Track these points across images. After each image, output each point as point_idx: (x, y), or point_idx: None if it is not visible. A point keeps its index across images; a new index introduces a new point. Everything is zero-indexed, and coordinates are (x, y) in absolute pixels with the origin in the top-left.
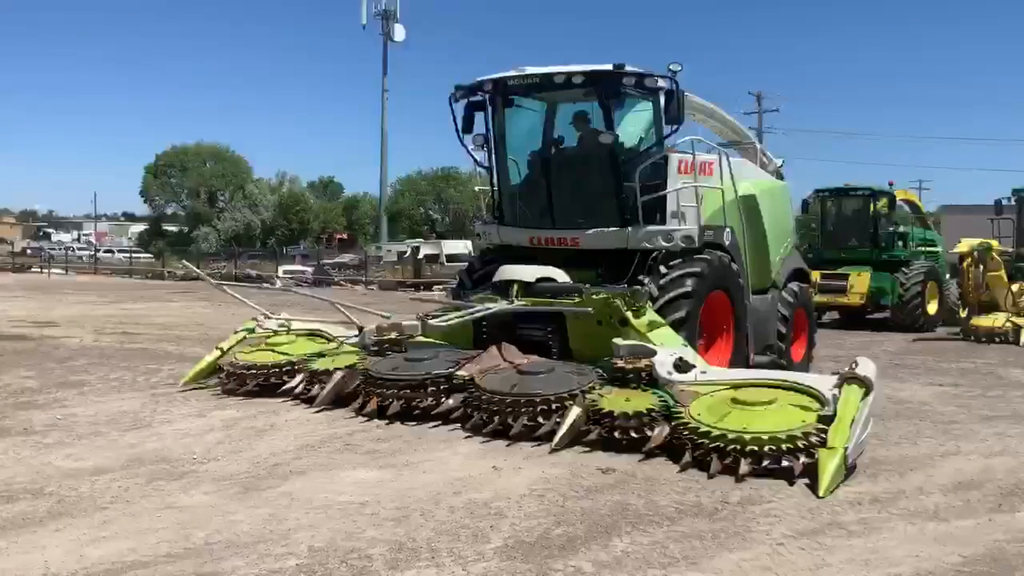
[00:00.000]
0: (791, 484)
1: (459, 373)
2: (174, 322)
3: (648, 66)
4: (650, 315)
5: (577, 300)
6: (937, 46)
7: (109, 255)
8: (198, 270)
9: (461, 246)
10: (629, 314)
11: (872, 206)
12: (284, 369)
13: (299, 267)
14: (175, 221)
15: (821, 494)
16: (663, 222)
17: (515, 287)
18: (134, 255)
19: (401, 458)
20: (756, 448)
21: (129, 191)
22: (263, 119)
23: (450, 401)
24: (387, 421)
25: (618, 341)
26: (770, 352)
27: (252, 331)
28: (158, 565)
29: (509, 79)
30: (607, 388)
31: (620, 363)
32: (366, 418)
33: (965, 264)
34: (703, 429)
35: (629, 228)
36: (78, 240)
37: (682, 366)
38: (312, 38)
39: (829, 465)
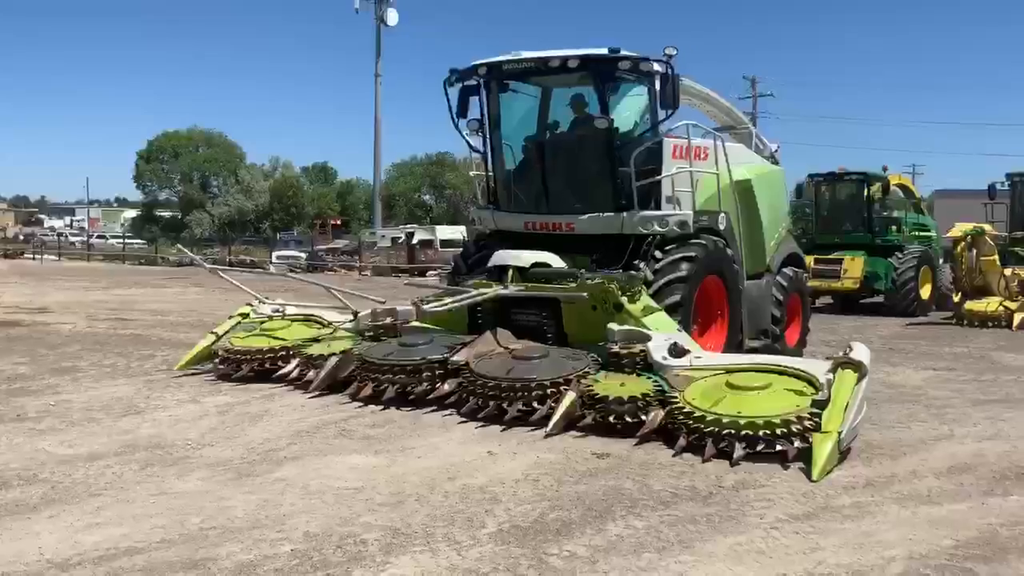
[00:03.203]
0: (785, 468)
1: (454, 358)
2: (168, 308)
3: (643, 50)
4: (645, 300)
5: (572, 285)
6: (931, 30)
7: (102, 241)
8: (192, 254)
9: (455, 231)
10: (624, 299)
11: (866, 191)
12: (279, 354)
13: (293, 252)
14: (168, 207)
15: (815, 478)
16: (658, 207)
17: (510, 272)
18: (127, 241)
19: (396, 443)
20: (750, 432)
21: (122, 177)
22: (256, 105)
23: (445, 386)
24: (382, 406)
25: (613, 326)
26: (764, 337)
27: (246, 316)
28: (153, 551)
29: (504, 63)
30: (602, 373)
31: (615, 348)
32: (361, 403)
33: (959, 249)
34: (697, 414)
35: (624, 213)
36: (71, 226)
37: (677, 351)
38: (304, 22)
39: (823, 449)
